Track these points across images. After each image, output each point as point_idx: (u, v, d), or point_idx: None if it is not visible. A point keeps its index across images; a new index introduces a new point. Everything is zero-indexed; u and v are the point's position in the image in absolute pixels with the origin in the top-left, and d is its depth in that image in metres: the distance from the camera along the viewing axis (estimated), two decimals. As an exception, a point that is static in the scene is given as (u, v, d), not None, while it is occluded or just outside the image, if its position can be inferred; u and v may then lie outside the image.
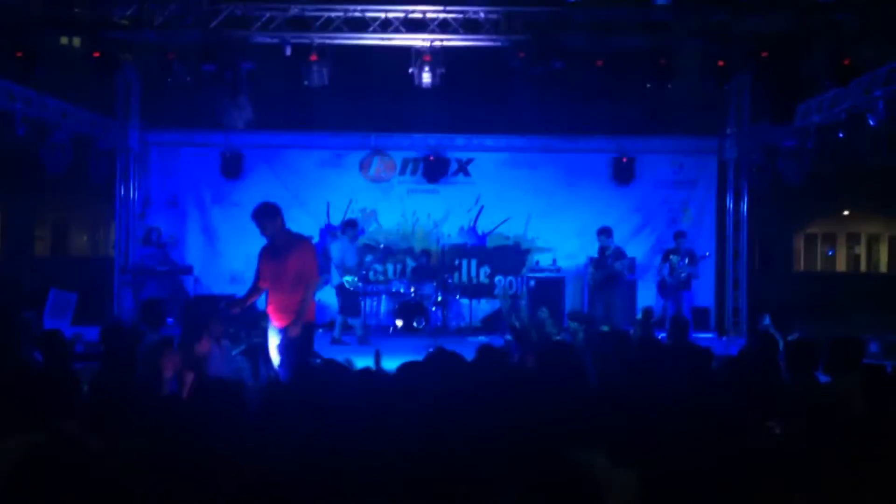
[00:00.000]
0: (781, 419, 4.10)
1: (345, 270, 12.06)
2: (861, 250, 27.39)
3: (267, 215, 6.69)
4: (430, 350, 5.01)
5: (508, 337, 9.64)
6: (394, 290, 13.14)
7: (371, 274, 13.78)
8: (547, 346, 7.14)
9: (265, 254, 6.78)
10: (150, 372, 5.07)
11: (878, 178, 17.16)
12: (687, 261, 11.94)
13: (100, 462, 2.71)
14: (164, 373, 5.00)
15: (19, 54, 9.42)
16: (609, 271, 11.70)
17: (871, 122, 9.67)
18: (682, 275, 11.82)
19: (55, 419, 3.50)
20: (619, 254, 11.84)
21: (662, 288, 12.18)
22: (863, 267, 26.77)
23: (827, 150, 10.93)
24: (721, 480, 3.11)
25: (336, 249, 12.22)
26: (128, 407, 3.71)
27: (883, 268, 26.19)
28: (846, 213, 26.05)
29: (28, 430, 3.38)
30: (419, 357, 4.69)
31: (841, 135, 10.48)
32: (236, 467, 2.97)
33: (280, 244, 6.68)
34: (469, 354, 4.98)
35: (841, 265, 26.98)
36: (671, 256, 11.97)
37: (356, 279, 12.15)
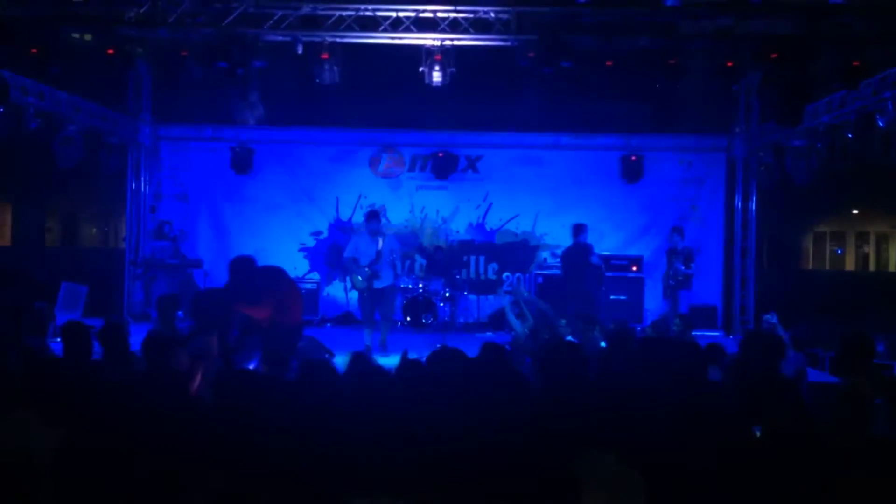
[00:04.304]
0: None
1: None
2: (870, 249, 27.37)
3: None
4: (435, 348, 5.05)
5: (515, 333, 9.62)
6: (402, 286, 13.16)
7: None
8: (558, 345, 7.15)
9: None
10: (163, 367, 5.12)
11: (887, 177, 17.15)
12: (683, 260, 11.90)
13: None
14: (182, 367, 5.06)
15: (34, 51, 9.49)
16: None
17: (881, 123, 9.70)
18: (680, 276, 11.79)
19: (80, 410, 3.57)
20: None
21: (665, 288, 12.20)
22: (871, 266, 26.75)
23: (836, 149, 10.94)
24: (724, 481, 3.17)
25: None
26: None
27: (892, 267, 26.17)
28: (855, 211, 26.04)
29: (53, 421, 3.47)
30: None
31: (850, 135, 10.50)
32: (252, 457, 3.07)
33: None
34: (476, 350, 5.04)
35: (850, 264, 26.97)
36: (672, 258, 11.97)
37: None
